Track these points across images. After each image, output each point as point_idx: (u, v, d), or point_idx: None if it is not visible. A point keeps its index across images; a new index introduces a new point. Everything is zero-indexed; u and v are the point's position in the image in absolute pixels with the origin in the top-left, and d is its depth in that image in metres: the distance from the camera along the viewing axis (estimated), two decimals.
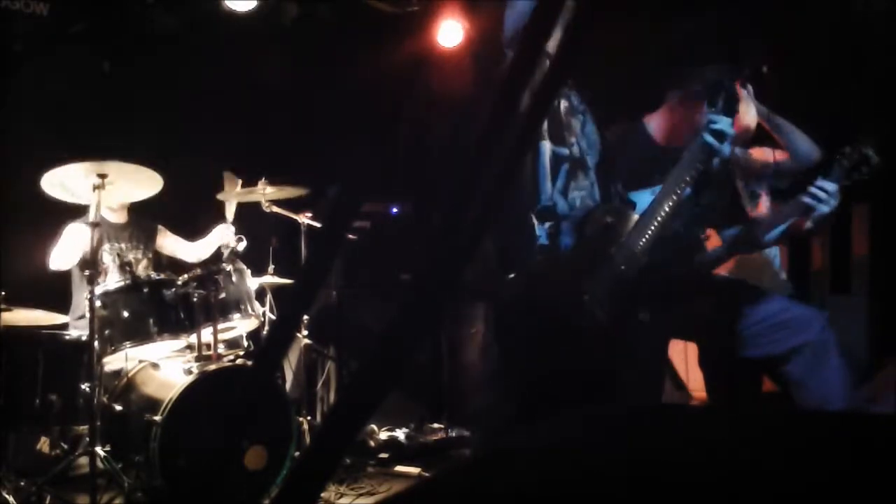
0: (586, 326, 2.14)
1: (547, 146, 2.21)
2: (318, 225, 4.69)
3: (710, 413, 1.42)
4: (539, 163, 2.23)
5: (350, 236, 4.37)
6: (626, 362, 2.24)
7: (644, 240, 2.33)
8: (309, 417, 4.62)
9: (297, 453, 4.00)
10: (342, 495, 4.22)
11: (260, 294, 4.49)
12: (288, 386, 4.91)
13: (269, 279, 4.58)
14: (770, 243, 3.07)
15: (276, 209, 4.62)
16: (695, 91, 3.05)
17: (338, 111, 5.13)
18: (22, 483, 3.70)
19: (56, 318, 4.13)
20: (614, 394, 2.17)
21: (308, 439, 4.38)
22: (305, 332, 4.74)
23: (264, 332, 4.40)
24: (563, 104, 2.26)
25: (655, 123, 3.18)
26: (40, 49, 4.60)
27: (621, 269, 2.27)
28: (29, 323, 4.00)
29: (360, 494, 4.26)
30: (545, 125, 2.19)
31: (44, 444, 3.93)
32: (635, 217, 2.43)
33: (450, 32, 5.31)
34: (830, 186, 2.85)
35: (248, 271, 4.24)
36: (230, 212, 4.47)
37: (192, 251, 4.76)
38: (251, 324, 4.31)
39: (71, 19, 4.65)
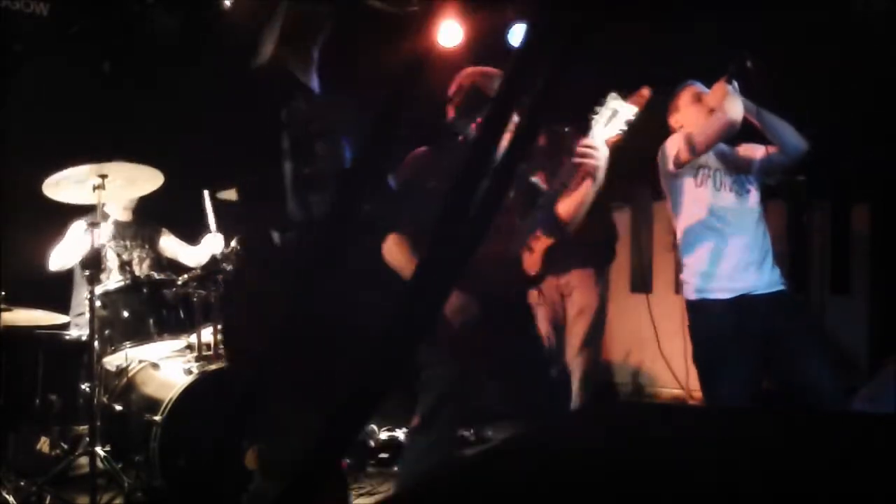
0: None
1: (288, 167, 2.31)
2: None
3: (709, 413, 1.42)
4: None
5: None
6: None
7: None
8: None
9: None
10: None
11: None
12: None
13: None
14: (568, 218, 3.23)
15: None
16: None
17: (337, 111, 5.12)
18: (22, 483, 3.70)
19: (56, 318, 4.13)
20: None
21: None
22: None
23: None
24: (302, 133, 2.38)
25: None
26: (40, 49, 4.59)
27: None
28: (29, 323, 4.00)
29: (360, 494, 4.26)
30: (287, 145, 2.32)
31: (44, 444, 3.93)
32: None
33: (450, 32, 5.30)
34: (589, 141, 3.07)
35: None
36: (212, 221, 4.48)
37: (192, 255, 4.77)
38: None
39: (71, 19, 4.64)
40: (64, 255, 4.32)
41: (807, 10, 4.90)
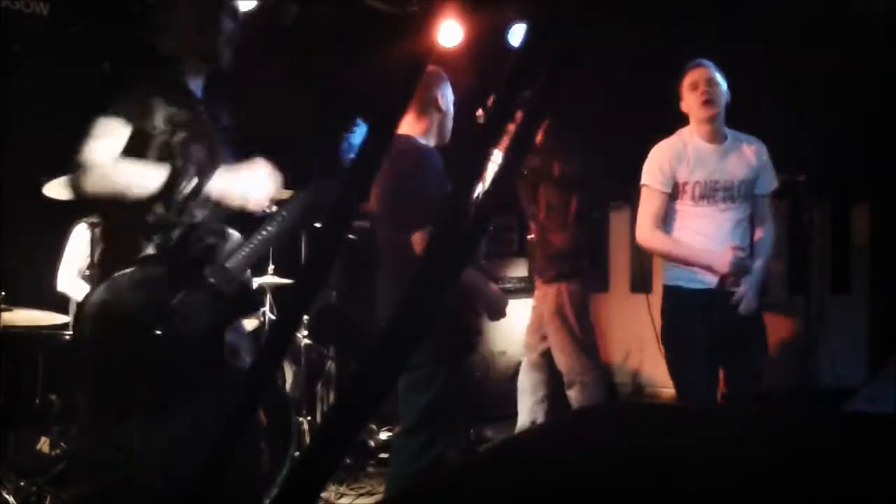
0: (172, 336, 2.28)
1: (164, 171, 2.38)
2: (318, 225, 4.70)
3: (709, 413, 1.42)
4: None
5: (350, 236, 4.38)
6: (215, 369, 2.39)
7: (237, 258, 2.50)
8: (309, 417, 4.62)
9: (297, 453, 4.00)
10: (342, 495, 4.22)
11: (260, 294, 4.49)
12: (288, 386, 4.91)
13: (269, 279, 4.57)
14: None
15: (275, 209, 4.62)
16: None
17: (337, 111, 5.13)
18: (22, 483, 3.70)
19: (56, 318, 4.13)
20: (205, 397, 2.35)
21: (308, 439, 4.38)
22: (305, 332, 4.74)
23: (264, 332, 4.40)
24: (182, 135, 2.41)
25: (420, 129, 3.34)
26: (40, 49, 4.59)
27: (212, 284, 2.42)
28: (29, 323, 4.00)
29: (360, 494, 4.26)
30: (156, 157, 2.36)
31: (44, 444, 3.93)
32: (237, 238, 2.56)
33: (450, 32, 5.31)
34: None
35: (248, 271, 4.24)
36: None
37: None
38: (251, 324, 4.31)
39: (71, 19, 4.64)
40: (70, 276, 4.34)
41: (807, 10, 4.90)
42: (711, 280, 3.49)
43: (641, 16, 4.51)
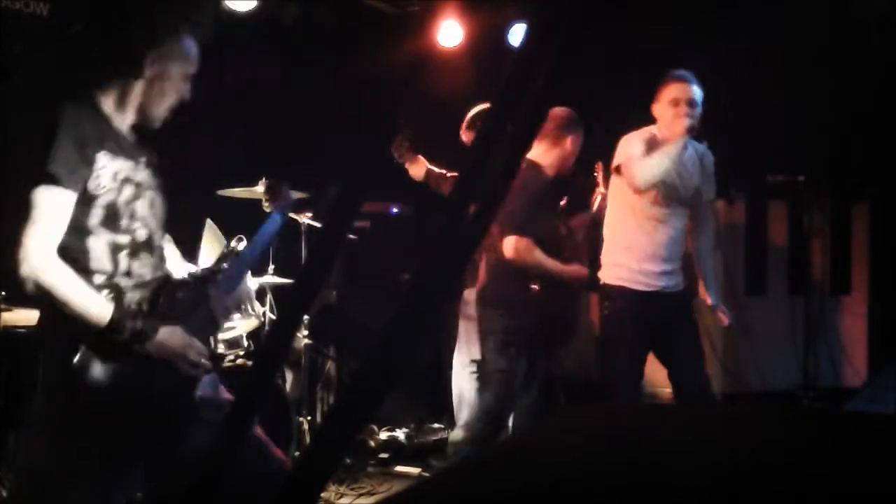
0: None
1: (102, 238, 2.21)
2: (318, 225, 4.70)
3: (709, 413, 1.42)
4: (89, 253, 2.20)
5: (350, 236, 4.38)
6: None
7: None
8: (309, 417, 4.62)
9: (297, 453, 4.00)
10: (342, 495, 4.22)
11: (260, 294, 4.48)
12: (288, 386, 4.91)
13: (269, 279, 4.57)
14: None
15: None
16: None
17: (338, 111, 5.13)
18: None
19: None
20: None
21: (308, 439, 4.38)
22: (305, 332, 4.74)
23: (264, 332, 4.40)
24: (129, 191, 2.22)
25: (546, 160, 3.77)
26: (40, 49, 4.59)
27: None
28: (29, 323, 4.00)
29: (361, 494, 4.26)
30: (100, 218, 2.18)
31: None
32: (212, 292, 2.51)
33: (450, 32, 5.31)
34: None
35: (248, 271, 4.23)
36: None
37: (179, 267, 4.75)
38: (251, 324, 4.31)
39: (71, 19, 4.64)
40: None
41: (807, 9, 4.90)
42: (658, 284, 3.66)
43: (642, 15, 4.51)
